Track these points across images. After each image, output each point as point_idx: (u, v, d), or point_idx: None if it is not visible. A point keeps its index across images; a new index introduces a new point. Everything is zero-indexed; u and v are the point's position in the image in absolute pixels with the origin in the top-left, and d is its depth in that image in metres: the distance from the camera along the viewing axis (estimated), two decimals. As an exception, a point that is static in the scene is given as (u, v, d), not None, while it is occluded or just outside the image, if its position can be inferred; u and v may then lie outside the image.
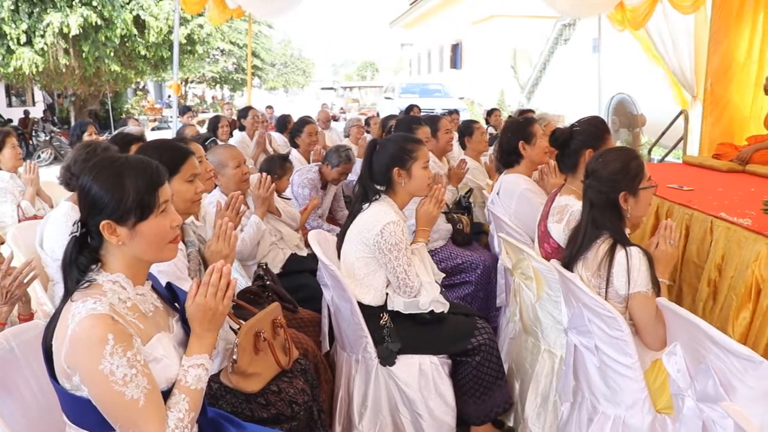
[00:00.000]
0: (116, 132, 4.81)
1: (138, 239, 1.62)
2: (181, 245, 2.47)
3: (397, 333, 2.74)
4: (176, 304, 1.85)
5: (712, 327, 1.85)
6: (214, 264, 1.73)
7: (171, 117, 10.98)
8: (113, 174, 1.60)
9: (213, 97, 34.32)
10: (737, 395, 1.78)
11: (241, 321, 2.28)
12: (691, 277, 3.73)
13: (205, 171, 2.98)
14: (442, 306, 2.80)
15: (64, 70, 14.99)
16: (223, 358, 2.34)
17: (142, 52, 15.91)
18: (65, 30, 13.74)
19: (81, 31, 13.93)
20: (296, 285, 3.52)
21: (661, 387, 2.23)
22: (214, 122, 7.35)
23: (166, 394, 1.62)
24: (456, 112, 8.60)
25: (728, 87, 7.44)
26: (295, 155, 5.60)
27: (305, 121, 5.87)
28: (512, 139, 3.65)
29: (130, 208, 1.58)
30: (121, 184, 1.59)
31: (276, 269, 3.61)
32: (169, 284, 1.88)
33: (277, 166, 4.29)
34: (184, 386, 1.64)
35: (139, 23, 15.40)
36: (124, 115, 20.23)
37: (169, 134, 11.43)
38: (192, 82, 30.41)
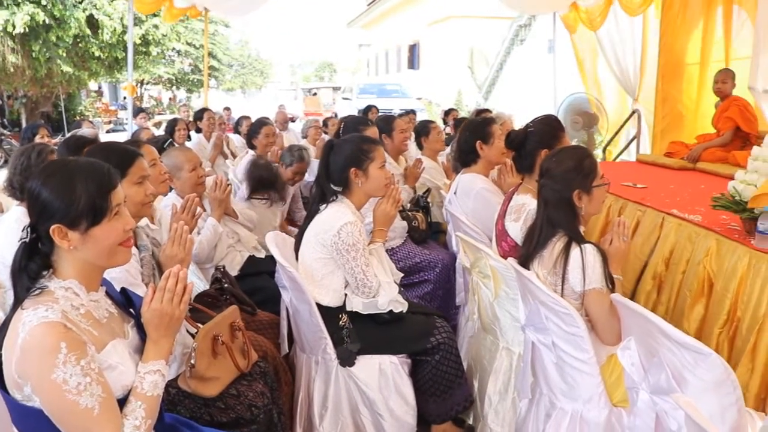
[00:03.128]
0: (69, 134, 4.72)
1: (90, 244, 1.58)
2: (134, 250, 2.43)
3: (357, 333, 2.73)
4: (131, 310, 1.82)
5: (664, 321, 1.89)
6: (171, 269, 1.71)
7: (126, 119, 10.80)
8: (64, 177, 1.57)
9: (170, 99, 33.84)
10: (689, 387, 1.81)
11: (199, 325, 2.25)
12: (628, 270, 3.80)
13: (160, 174, 2.94)
14: (400, 306, 2.80)
15: (12, 71, 14.60)
16: (180, 363, 2.31)
17: (96, 53, 15.60)
18: (9, 28, 13.38)
19: (28, 29, 13.58)
20: (254, 287, 3.50)
21: (616, 381, 2.26)
22: (171, 125, 7.24)
23: (122, 402, 1.59)
24: (413, 112, 8.64)
25: (678, 87, 7.62)
26: (252, 157, 5.55)
27: (262, 122, 5.82)
28: (470, 138, 3.68)
29: (82, 213, 1.55)
30: (71, 188, 1.55)
31: (234, 272, 3.58)
32: (123, 289, 1.85)
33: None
34: (140, 393, 1.62)
35: (93, 23, 15.09)
36: (77, 117, 19.81)
37: (124, 136, 11.23)
38: (148, 83, 29.93)
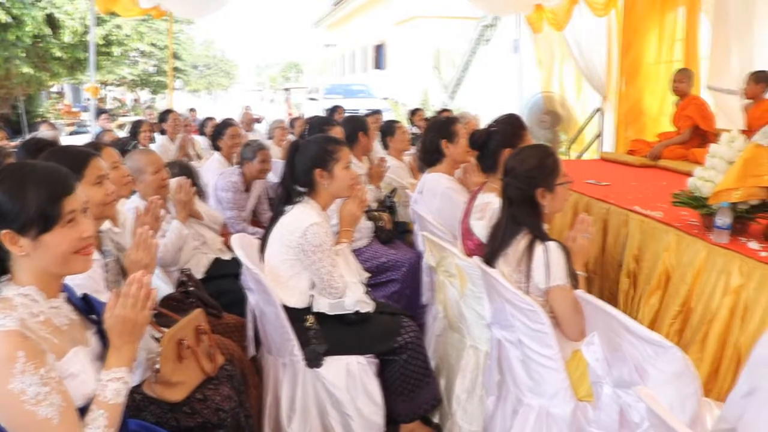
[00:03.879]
0: (28, 137, 4.63)
1: (42, 251, 1.55)
2: (98, 255, 2.40)
3: (323, 334, 2.73)
4: (93, 317, 1.78)
5: (626, 316, 1.92)
6: (134, 274, 1.69)
7: (89, 121, 10.63)
8: (16, 182, 1.54)
9: (134, 100, 33.37)
10: (650, 379, 1.84)
11: (164, 329, 2.22)
12: (608, 269, 3.86)
13: (122, 177, 2.90)
14: (367, 306, 2.80)
15: (-32, 71, 14.33)
16: (145, 368, 2.27)
17: (57, 54, 15.32)
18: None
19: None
20: (220, 290, 3.46)
21: (581, 376, 2.29)
22: (135, 127, 7.15)
23: (84, 411, 1.57)
24: (379, 112, 8.65)
25: (640, 86, 7.75)
26: (217, 158, 5.52)
27: (227, 123, 5.78)
28: (435, 137, 3.69)
29: (32, 219, 1.52)
30: (21, 194, 1.52)
31: (199, 274, 3.55)
32: (85, 296, 1.82)
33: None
34: (102, 401, 1.59)
35: (52, 22, 14.81)
36: (38, 120, 19.45)
37: (87, 139, 11.08)
38: (111, 84, 29.49)
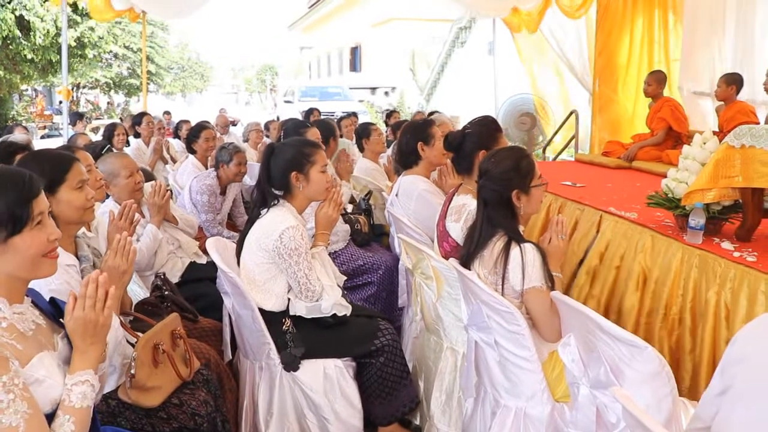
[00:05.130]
0: (0, 140, 4.56)
1: (11, 254, 1.53)
2: (74, 260, 2.37)
3: (300, 338, 2.71)
4: (61, 320, 1.76)
5: (602, 317, 1.93)
6: (90, 274, 1.66)
7: (62, 124, 10.50)
8: None
9: (108, 103, 33.02)
10: (626, 380, 1.85)
11: (139, 334, 2.20)
12: (565, 266, 3.87)
13: (96, 180, 2.87)
14: (344, 309, 2.79)
15: (-63, 73, 14.08)
16: (120, 374, 2.24)
17: (28, 56, 15.11)
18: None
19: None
20: (196, 294, 3.44)
21: (558, 377, 2.30)
22: (110, 130, 7.07)
23: (52, 417, 1.54)
24: (354, 114, 8.65)
25: (614, 88, 7.82)
26: (192, 161, 5.48)
27: (202, 126, 5.73)
28: (411, 140, 3.69)
29: (2, 221, 1.50)
30: None
31: (175, 278, 3.52)
32: (53, 299, 1.79)
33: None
34: (68, 406, 1.56)
35: (24, 24, 14.61)
36: (9, 122, 19.16)
37: (60, 142, 10.92)
38: (84, 87, 29.17)
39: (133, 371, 2.11)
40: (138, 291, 3.12)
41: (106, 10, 8.89)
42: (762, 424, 1.25)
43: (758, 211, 2.97)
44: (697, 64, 6.66)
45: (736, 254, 2.81)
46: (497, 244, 2.39)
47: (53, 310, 1.76)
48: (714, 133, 3.37)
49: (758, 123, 5.04)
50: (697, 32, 6.61)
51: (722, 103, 5.62)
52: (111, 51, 23.74)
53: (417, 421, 3.12)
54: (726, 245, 2.94)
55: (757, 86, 5.33)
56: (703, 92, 6.58)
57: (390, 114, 9.56)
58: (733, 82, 5.46)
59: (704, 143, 3.18)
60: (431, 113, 7.81)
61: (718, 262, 2.79)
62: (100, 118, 25.08)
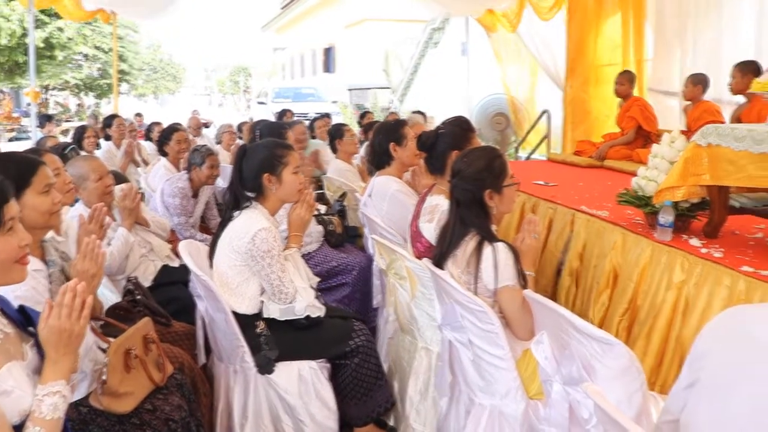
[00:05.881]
0: (-35, 144, 4.49)
1: None
2: (41, 265, 2.34)
3: (274, 340, 2.70)
4: (31, 329, 1.72)
5: (573, 314, 1.95)
6: (67, 283, 1.63)
7: (30, 127, 10.34)
8: None
9: (78, 105, 32.61)
10: (598, 376, 1.87)
11: (110, 339, 2.18)
12: (546, 267, 3.92)
13: (64, 184, 2.83)
14: (317, 310, 2.79)
15: None
16: (92, 380, 2.22)
17: (-6, 57, 14.89)
18: None
19: None
20: (169, 297, 3.41)
21: (531, 375, 2.31)
22: (80, 132, 6.98)
23: (21, 428, 1.51)
24: (328, 115, 8.64)
25: (586, 88, 7.89)
26: (164, 164, 5.43)
27: (174, 128, 5.69)
28: (383, 140, 3.70)
29: None
30: None
31: (147, 282, 3.48)
32: (21, 307, 1.75)
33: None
34: (38, 417, 1.52)
35: (-12, 25, 14.40)
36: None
37: (28, 145, 10.76)
38: (54, 88, 28.79)
39: (104, 377, 2.08)
40: (109, 295, 3.09)
41: (76, 10, 8.79)
42: (725, 417, 1.28)
43: (724, 208, 3.03)
44: (665, 64, 6.76)
45: (704, 250, 2.86)
46: (470, 243, 2.40)
47: (22, 318, 1.72)
48: (682, 132, 3.42)
49: (724, 122, 5.13)
50: (665, 33, 6.71)
51: (689, 102, 5.71)
52: (81, 52, 23.44)
53: (392, 422, 3.12)
54: (694, 242, 2.99)
55: (722, 86, 5.42)
56: (670, 92, 6.68)
57: (363, 115, 9.56)
58: (699, 82, 5.55)
59: (672, 142, 3.23)
60: (414, 113, 7.85)
61: (686, 258, 2.84)
62: (70, 121, 24.76)
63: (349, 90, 22.00)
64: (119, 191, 3.49)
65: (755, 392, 1.23)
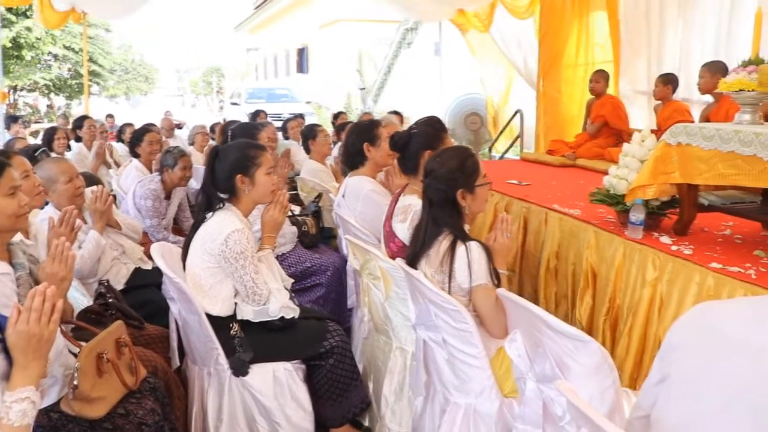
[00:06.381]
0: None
1: None
2: (8, 269, 2.30)
3: (249, 342, 2.69)
4: None
5: (546, 312, 1.96)
6: (37, 287, 1.61)
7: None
8: None
9: (48, 106, 32.15)
10: (571, 373, 1.89)
11: (82, 343, 2.15)
12: (530, 267, 3.95)
13: (34, 186, 2.79)
14: (292, 311, 2.78)
15: None
16: (62, 385, 2.18)
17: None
18: None
19: None
20: (142, 300, 3.38)
21: (506, 373, 2.33)
22: (50, 134, 6.89)
23: None
24: (301, 116, 8.62)
25: (558, 87, 7.96)
26: (136, 165, 5.38)
27: (146, 129, 5.64)
28: (357, 141, 3.70)
29: None
30: None
31: (119, 285, 3.44)
32: None
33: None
34: (6, 424, 1.50)
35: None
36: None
37: (-4, 147, 10.56)
38: (23, 89, 28.36)
39: (76, 382, 2.05)
40: (81, 299, 3.05)
41: (51, 14, 8.68)
42: (695, 412, 1.30)
43: (694, 206, 3.07)
44: (636, 64, 6.83)
45: (674, 248, 2.90)
46: (443, 243, 2.41)
47: None
48: (653, 131, 3.47)
49: (693, 122, 5.20)
50: (635, 34, 6.79)
51: (660, 102, 5.78)
52: (50, 52, 23.10)
53: (368, 422, 3.12)
54: (664, 239, 3.03)
55: (692, 86, 5.50)
56: (641, 91, 6.76)
57: (337, 115, 9.56)
58: (669, 82, 5.63)
59: (643, 141, 3.27)
60: (390, 113, 7.85)
61: (657, 255, 2.87)
62: (40, 122, 24.42)
63: (361, 89, 22.00)
64: (90, 193, 3.45)
65: (724, 387, 1.25)
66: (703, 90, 5.09)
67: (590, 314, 3.30)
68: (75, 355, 2.12)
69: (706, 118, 5.10)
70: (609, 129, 6.12)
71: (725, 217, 3.32)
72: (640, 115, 6.74)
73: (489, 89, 10.06)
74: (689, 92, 5.87)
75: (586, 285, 3.33)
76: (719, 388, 1.25)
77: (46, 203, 3.34)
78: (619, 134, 6.01)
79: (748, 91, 2.74)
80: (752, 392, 1.20)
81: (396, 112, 8.21)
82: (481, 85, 10.11)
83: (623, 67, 7.06)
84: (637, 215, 3.06)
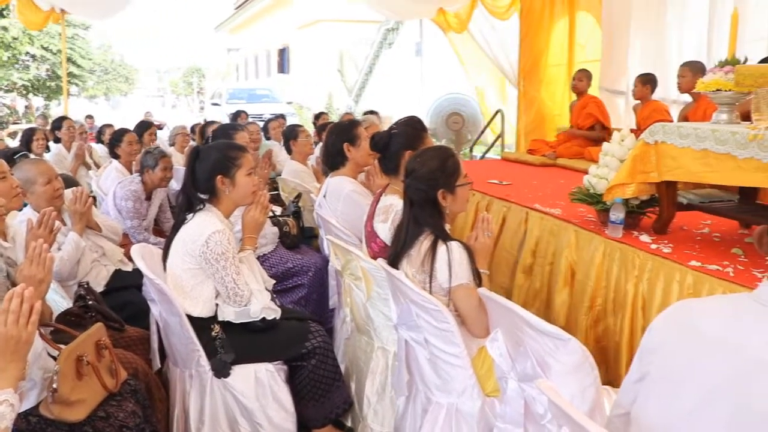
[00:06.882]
0: None
1: None
2: (-15, 271, 2.28)
3: (230, 343, 2.68)
4: None
5: (527, 311, 1.97)
6: (14, 288, 1.59)
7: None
8: None
9: (26, 107, 31.81)
10: (552, 372, 1.90)
11: (61, 346, 2.13)
12: (501, 265, 3.96)
13: (11, 188, 2.77)
14: (273, 312, 2.77)
15: None
16: (42, 389, 2.16)
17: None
18: None
19: None
20: (122, 302, 3.36)
21: (487, 372, 2.34)
22: (28, 135, 6.83)
23: None
24: (282, 116, 8.59)
25: (539, 87, 8.00)
26: (115, 166, 5.34)
27: (125, 130, 5.61)
28: (337, 141, 3.69)
29: None
30: None
31: (99, 287, 3.42)
32: None
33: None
34: None
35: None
36: None
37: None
38: (0, 90, 28.05)
39: (55, 385, 2.03)
40: (60, 301, 3.02)
41: (33, 15, 8.60)
42: (674, 409, 1.31)
43: (672, 204, 3.10)
44: (615, 64, 6.89)
45: (654, 246, 2.92)
46: (424, 243, 2.41)
47: None
48: (632, 130, 3.50)
49: (672, 121, 5.25)
50: (615, 34, 6.84)
51: (639, 101, 5.83)
52: (28, 52, 22.86)
53: (350, 423, 3.12)
54: (644, 238, 3.05)
55: (670, 86, 5.55)
56: (620, 91, 6.81)
57: (318, 115, 9.55)
58: (647, 81, 5.67)
59: (622, 140, 3.30)
60: (367, 113, 7.84)
61: (637, 254, 2.90)
62: (18, 123, 24.15)
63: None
64: (70, 194, 3.42)
65: (702, 385, 1.26)
66: (684, 89, 5.13)
67: (568, 312, 3.32)
68: (54, 358, 2.10)
69: (684, 117, 5.15)
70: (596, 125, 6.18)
71: (703, 216, 3.35)
72: (617, 115, 6.78)
73: (477, 88, 10.04)
74: (667, 92, 5.92)
75: (564, 283, 3.35)
76: (697, 386, 1.27)
77: (25, 205, 3.30)
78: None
79: (725, 91, 2.77)
80: (730, 389, 1.22)
81: (373, 112, 8.22)
82: (469, 77, 10.08)
83: (603, 67, 7.11)
84: (617, 214, 3.08)
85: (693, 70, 4.96)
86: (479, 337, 2.38)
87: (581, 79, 6.36)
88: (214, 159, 2.77)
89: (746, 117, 2.77)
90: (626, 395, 1.50)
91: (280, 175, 5.42)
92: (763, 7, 4.97)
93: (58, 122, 7.55)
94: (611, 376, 2.89)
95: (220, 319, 2.71)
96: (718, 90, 2.80)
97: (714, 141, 2.66)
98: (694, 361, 1.30)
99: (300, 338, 2.86)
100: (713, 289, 2.49)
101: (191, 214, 2.76)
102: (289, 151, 5.46)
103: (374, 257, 2.86)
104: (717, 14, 5.53)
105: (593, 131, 6.17)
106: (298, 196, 4.67)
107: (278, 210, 4.50)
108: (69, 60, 23.79)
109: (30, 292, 1.60)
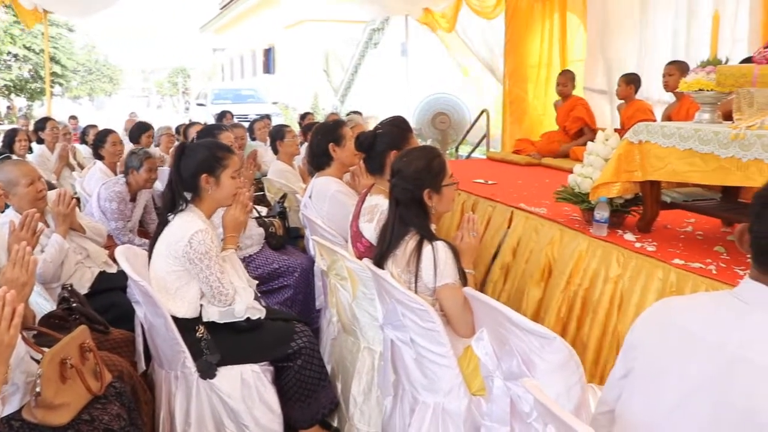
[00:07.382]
0: None
1: None
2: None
3: (216, 344, 2.67)
4: None
5: (513, 310, 1.98)
6: None
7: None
8: None
9: (8, 108, 31.52)
10: (537, 370, 1.90)
11: (44, 349, 2.11)
12: (478, 262, 3.97)
13: (-8, 190, 2.74)
14: (258, 312, 2.76)
15: None
16: (24, 393, 2.14)
17: None
18: None
19: None
20: (107, 304, 3.33)
21: (473, 371, 2.34)
22: (10, 136, 6.77)
23: None
24: (268, 117, 8.58)
25: (524, 87, 8.02)
26: (100, 167, 5.31)
27: (109, 130, 5.57)
28: (322, 141, 3.69)
29: None
30: None
31: (84, 289, 3.39)
32: None
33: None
34: None
35: None
36: None
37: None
38: (-20, 90, 27.82)
39: (38, 389, 2.01)
40: (44, 304, 3.00)
41: (27, 13, 8.55)
42: (658, 405, 1.32)
43: (656, 203, 3.12)
44: (600, 64, 6.92)
45: (638, 245, 2.94)
46: (409, 242, 2.42)
47: None
48: (616, 130, 3.52)
49: (656, 120, 5.28)
50: (599, 34, 6.87)
51: (623, 101, 5.86)
52: (9, 52, 22.66)
53: (336, 423, 3.12)
54: (628, 236, 3.07)
55: (654, 85, 5.58)
56: (603, 91, 6.84)
57: (304, 116, 9.53)
58: (631, 81, 5.71)
59: (607, 140, 3.32)
60: (351, 113, 7.84)
61: (622, 252, 2.91)
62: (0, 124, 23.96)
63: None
64: (53, 196, 3.39)
65: (684, 382, 1.27)
66: (670, 87, 5.15)
67: (537, 307, 3.33)
68: (37, 362, 2.08)
69: (667, 117, 5.18)
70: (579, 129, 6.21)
71: (687, 214, 3.38)
72: (601, 115, 6.82)
73: (465, 87, 10.05)
74: (650, 91, 5.96)
75: (540, 278, 3.36)
76: (679, 383, 1.28)
77: (7, 207, 3.28)
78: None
79: (707, 90, 2.79)
80: (711, 386, 1.23)
81: (357, 112, 8.22)
82: (465, 72, 10.07)
83: (587, 67, 7.15)
84: (602, 213, 3.10)
85: (680, 68, 4.98)
86: (465, 337, 2.39)
87: (566, 84, 6.39)
88: (201, 157, 2.75)
89: (728, 116, 2.79)
90: (611, 392, 1.51)
91: (265, 176, 5.41)
92: (744, 7, 5.01)
93: (42, 123, 7.49)
94: (592, 374, 2.90)
95: (204, 319, 2.70)
96: (700, 90, 2.82)
97: (698, 140, 2.68)
98: (675, 359, 1.31)
99: (285, 339, 2.85)
100: (696, 286, 2.52)
101: (172, 216, 2.74)
102: (275, 151, 5.45)
103: (360, 257, 2.86)
104: (698, 15, 5.57)
105: (583, 136, 6.20)
106: (284, 196, 4.66)
107: (264, 211, 4.48)
108: (52, 60, 23.63)
109: (12, 296, 1.58)
